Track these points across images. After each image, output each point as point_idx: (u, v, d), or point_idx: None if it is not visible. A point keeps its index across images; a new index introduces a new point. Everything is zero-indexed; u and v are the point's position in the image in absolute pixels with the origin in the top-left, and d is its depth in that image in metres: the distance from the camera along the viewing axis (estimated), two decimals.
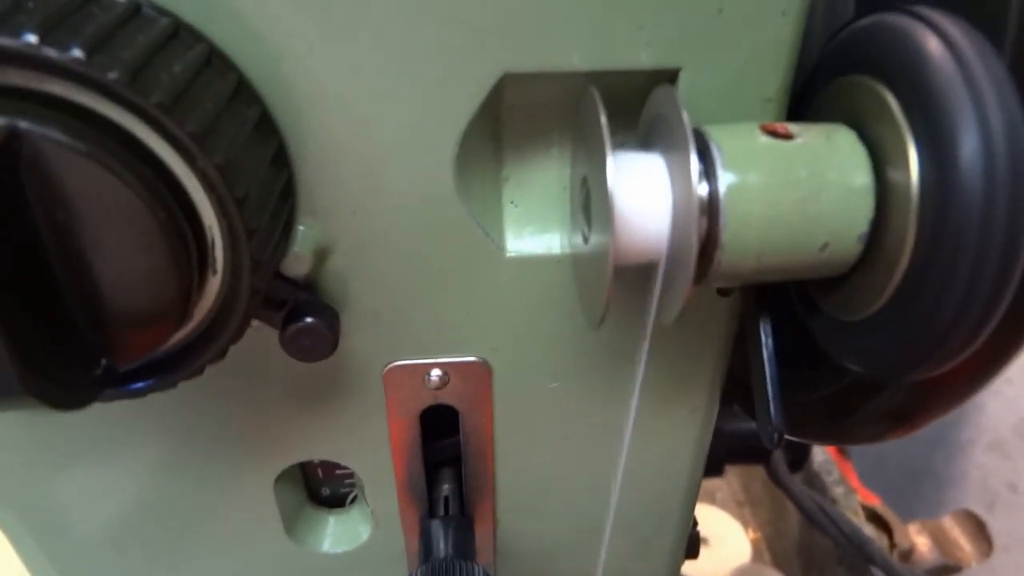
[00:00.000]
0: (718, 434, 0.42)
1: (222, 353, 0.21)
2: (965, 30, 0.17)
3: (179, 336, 0.20)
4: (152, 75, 0.16)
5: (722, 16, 0.19)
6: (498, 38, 0.19)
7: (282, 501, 0.30)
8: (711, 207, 0.18)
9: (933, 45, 0.17)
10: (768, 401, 0.22)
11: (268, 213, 0.19)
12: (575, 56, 0.20)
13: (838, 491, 0.57)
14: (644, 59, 0.20)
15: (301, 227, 0.22)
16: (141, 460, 0.27)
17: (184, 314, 0.19)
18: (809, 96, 0.21)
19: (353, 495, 0.32)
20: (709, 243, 0.19)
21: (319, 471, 0.32)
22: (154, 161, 0.17)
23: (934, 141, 0.17)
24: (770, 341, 0.23)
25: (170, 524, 0.29)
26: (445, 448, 0.30)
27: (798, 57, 0.21)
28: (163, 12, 0.18)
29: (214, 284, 0.19)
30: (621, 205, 0.18)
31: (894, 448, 1.03)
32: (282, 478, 0.29)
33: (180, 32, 0.18)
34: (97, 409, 0.22)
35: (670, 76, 0.21)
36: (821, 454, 0.60)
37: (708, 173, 0.19)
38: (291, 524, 0.31)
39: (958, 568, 0.57)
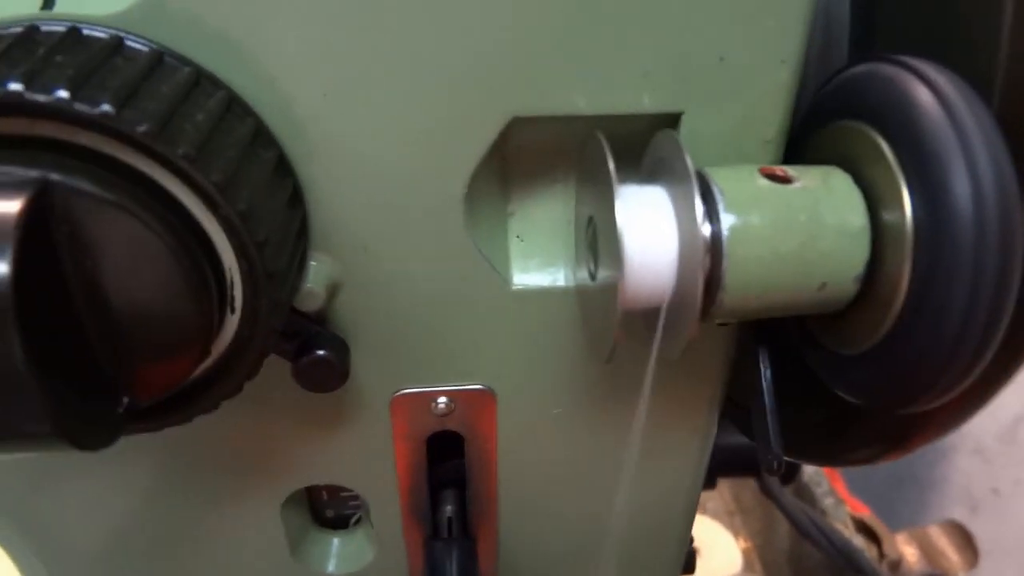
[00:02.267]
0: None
1: (238, 388, 0.21)
2: (952, 79, 0.18)
3: (196, 372, 0.21)
4: (177, 126, 0.17)
5: (723, 64, 0.20)
6: (508, 84, 0.20)
7: (287, 523, 0.30)
8: (714, 248, 0.19)
9: (922, 94, 0.18)
10: (768, 430, 0.23)
11: (287, 255, 0.20)
12: (581, 101, 0.21)
13: (828, 502, 0.58)
14: (647, 103, 0.21)
15: (313, 263, 0.23)
16: (151, 482, 0.27)
17: (204, 353, 0.19)
18: (804, 138, 0.22)
19: (357, 516, 0.33)
20: (712, 283, 0.19)
21: (324, 493, 0.32)
22: (176, 206, 0.18)
23: (926, 185, 0.18)
24: (768, 372, 0.24)
25: (177, 544, 0.29)
26: (448, 470, 0.31)
27: (795, 101, 0.21)
28: (184, 61, 0.19)
29: (232, 323, 0.20)
30: (630, 250, 0.18)
31: None
32: (288, 500, 0.29)
33: (201, 80, 0.19)
34: None
35: (672, 120, 0.21)
36: (811, 466, 0.61)
37: (711, 215, 0.19)
38: (296, 546, 0.31)
39: None
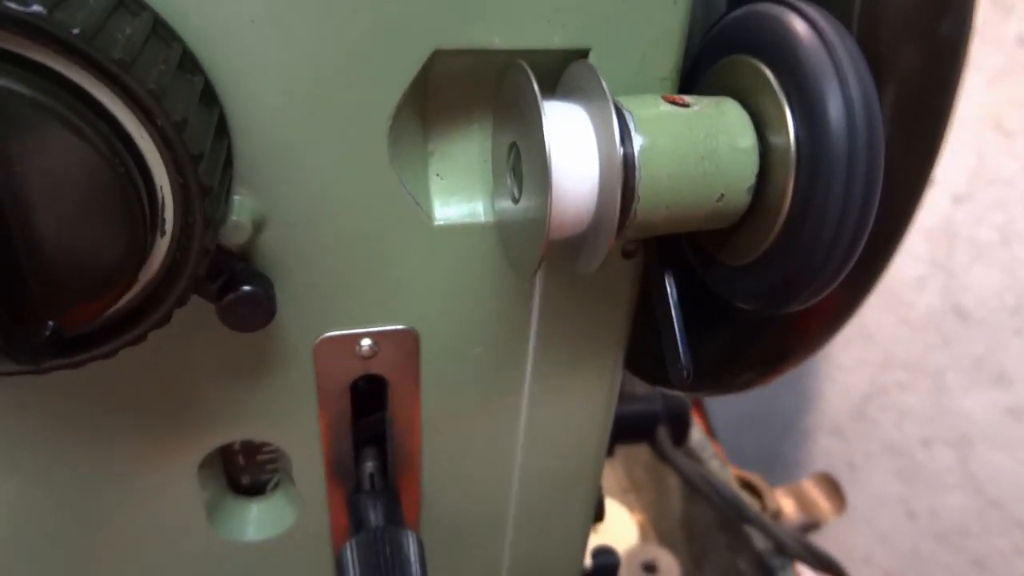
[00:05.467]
0: None
1: (166, 318, 0.21)
2: (823, 13, 0.21)
3: (122, 302, 0.20)
4: (109, 34, 0.17)
5: (625, 4, 0.22)
6: (431, 17, 0.21)
7: (203, 492, 0.29)
8: (627, 166, 0.21)
9: (800, 27, 0.21)
10: (677, 343, 0.25)
11: (219, 176, 0.20)
12: (497, 37, 0.22)
13: (713, 464, 0.63)
14: (557, 40, 0.23)
15: (237, 197, 0.23)
16: (57, 451, 0.26)
17: (135, 276, 0.19)
18: (694, 77, 0.25)
19: (275, 481, 0.32)
20: (627, 197, 0.21)
21: (240, 458, 0.32)
22: (106, 117, 0.18)
23: (806, 107, 0.21)
24: (674, 291, 0.26)
25: (86, 519, 0.28)
26: (369, 425, 0.31)
27: (686, 42, 0.24)
28: None
29: (161, 247, 0.20)
30: (558, 171, 0.20)
31: (750, 437, 1.12)
32: (203, 467, 0.29)
33: (125, 0, 0.19)
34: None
35: (580, 56, 0.23)
36: (697, 434, 0.65)
37: (623, 137, 0.21)
38: (212, 514, 0.30)
39: (818, 524, 0.63)
